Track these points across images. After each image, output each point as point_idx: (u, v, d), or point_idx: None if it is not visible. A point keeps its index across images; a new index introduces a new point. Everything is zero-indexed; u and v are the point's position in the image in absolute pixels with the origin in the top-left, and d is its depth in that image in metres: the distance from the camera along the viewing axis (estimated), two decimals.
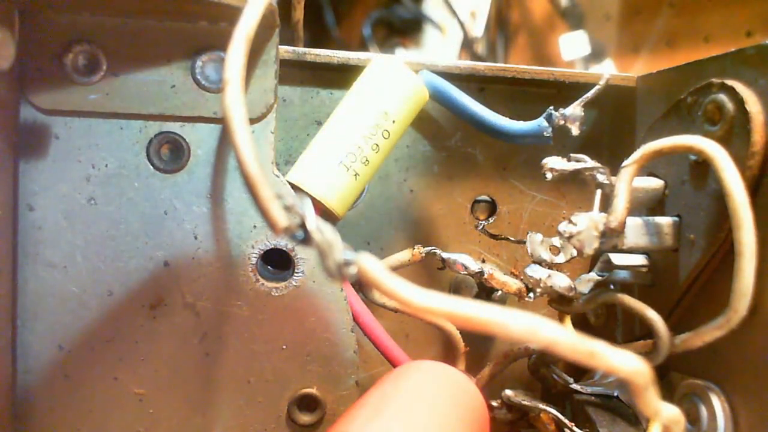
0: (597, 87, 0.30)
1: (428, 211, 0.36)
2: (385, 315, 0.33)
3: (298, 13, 0.39)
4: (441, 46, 0.99)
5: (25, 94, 0.28)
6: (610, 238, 0.27)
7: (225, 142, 0.30)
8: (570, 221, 0.27)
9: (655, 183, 0.30)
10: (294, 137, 0.35)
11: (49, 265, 0.29)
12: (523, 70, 0.35)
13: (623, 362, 0.18)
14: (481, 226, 0.36)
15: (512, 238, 0.35)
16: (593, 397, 0.33)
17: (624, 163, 0.27)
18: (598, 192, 0.28)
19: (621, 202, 0.27)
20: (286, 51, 0.33)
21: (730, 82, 0.27)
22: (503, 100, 0.36)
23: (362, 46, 0.99)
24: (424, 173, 0.36)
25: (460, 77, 0.34)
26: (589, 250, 0.27)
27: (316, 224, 0.20)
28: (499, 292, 0.35)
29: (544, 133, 0.31)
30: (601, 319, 0.35)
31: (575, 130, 0.30)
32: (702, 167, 0.28)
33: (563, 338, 0.17)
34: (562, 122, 0.30)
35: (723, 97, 0.27)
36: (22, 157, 0.29)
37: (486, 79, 0.35)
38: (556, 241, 0.28)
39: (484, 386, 0.32)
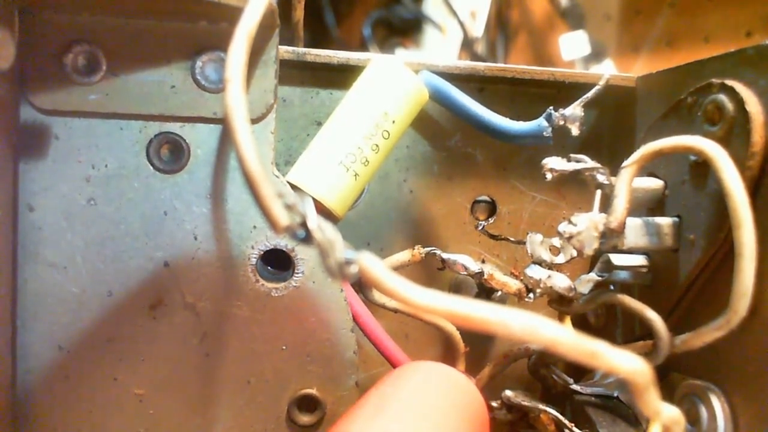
0: (597, 87, 0.30)
1: (428, 212, 0.36)
2: (385, 315, 0.33)
3: (298, 13, 0.39)
4: (441, 46, 0.99)
5: (25, 94, 0.28)
6: (610, 238, 0.27)
7: (225, 142, 0.30)
8: (570, 222, 0.27)
9: (655, 183, 0.30)
10: (294, 137, 0.35)
11: (49, 266, 0.29)
12: (523, 70, 0.35)
13: (624, 362, 0.18)
14: (481, 227, 0.36)
15: (512, 239, 0.35)
16: (593, 398, 0.33)
17: (624, 164, 0.27)
18: (598, 192, 0.28)
19: (621, 202, 0.27)
20: (286, 51, 0.33)
21: (730, 82, 0.27)
22: (503, 100, 0.36)
23: (362, 46, 0.99)
24: (424, 173, 0.36)
25: (460, 77, 0.34)
26: (589, 251, 0.27)
27: (317, 223, 0.20)
28: (499, 293, 0.35)
29: (544, 133, 0.31)
30: (601, 319, 0.35)
31: (575, 130, 0.30)
32: (702, 167, 0.28)
33: (564, 338, 0.17)
34: (562, 122, 0.30)
35: (723, 98, 0.27)
36: (22, 158, 0.29)
37: (486, 79, 0.35)
38: (556, 241, 0.28)
39: (484, 386, 0.32)
